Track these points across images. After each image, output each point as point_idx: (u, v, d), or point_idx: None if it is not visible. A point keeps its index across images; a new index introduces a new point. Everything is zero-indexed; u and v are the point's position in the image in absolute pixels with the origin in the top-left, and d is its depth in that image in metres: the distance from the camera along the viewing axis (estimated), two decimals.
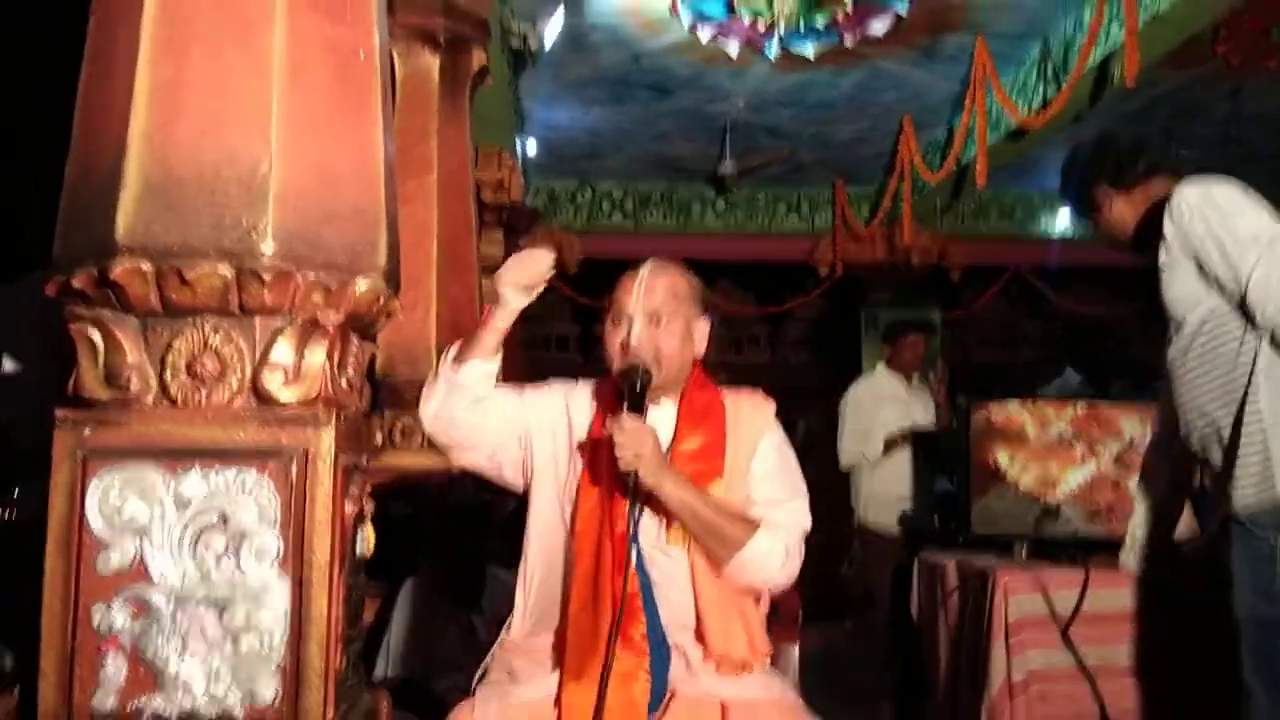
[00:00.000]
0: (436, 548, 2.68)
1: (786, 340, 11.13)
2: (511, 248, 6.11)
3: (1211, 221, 2.02)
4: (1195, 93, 5.53)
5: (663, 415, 1.75)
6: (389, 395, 3.00)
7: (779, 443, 1.81)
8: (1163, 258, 2.11)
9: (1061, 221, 7.87)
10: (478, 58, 3.20)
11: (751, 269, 8.80)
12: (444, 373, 1.71)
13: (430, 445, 3.02)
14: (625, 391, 1.63)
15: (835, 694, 3.59)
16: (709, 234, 8.01)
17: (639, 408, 1.63)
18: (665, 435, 1.73)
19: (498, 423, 1.73)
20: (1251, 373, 1.96)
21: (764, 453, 1.77)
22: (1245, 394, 1.97)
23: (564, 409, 1.78)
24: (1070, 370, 3.92)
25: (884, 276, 7.76)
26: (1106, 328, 7.37)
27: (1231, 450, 1.98)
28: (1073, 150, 2.45)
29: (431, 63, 3.14)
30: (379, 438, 3.03)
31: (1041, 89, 4.83)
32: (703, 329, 1.79)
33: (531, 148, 6.62)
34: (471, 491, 2.81)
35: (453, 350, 1.75)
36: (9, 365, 2.36)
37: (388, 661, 2.37)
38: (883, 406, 3.96)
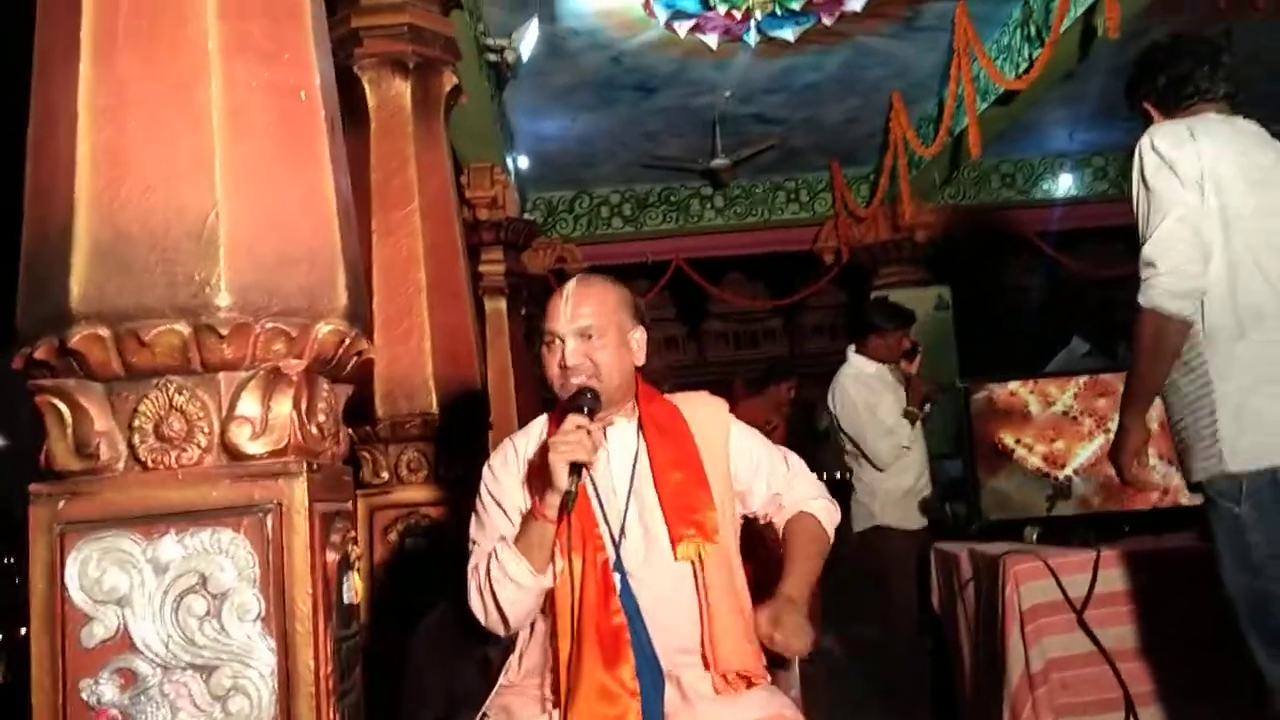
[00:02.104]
0: (451, 582, 2.65)
1: (803, 329, 11.05)
2: (511, 263, 6.10)
3: (1145, 173, 1.97)
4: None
5: (620, 434, 1.71)
6: (392, 430, 2.98)
7: (745, 431, 1.81)
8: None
9: (1065, 183, 7.77)
10: (448, 79, 3.18)
11: (760, 261, 8.76)
12: (529, 584, 1.60)
13: (437, 477, 3.03)
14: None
15: (870, 694, 3.55)
16: (710, 231, 7.97)
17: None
18: (629, 453, 1.69)
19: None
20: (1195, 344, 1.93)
21: (743, 449, 1.76)
22: (1190, 364, 1.94)
23: (520, 471, 1.73)
24: (1076, 339, 3.81)
25: (890, 257, 7.67)
26: (1114, 288, 7.27)
27: (1187, 419, 1.94)
28: (1143, 51, 2.27)
29: (403, 89, 3.12)
30: (385, 474, 3.02)
31: (1027, 50, 4.76)
32: (640, 338, 1.73)
33: (523, 161, 6.60)
34: None
35: (512, 558, 1.61)
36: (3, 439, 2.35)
37: (412, 703, 2.34)
38: (883, 397, 3.78)
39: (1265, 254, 1.90)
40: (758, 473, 1.76)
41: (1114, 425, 2.66)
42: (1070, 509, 2.66)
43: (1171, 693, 2.34)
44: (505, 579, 1.60)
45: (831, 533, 1.81)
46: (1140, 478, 2.04)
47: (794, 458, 1.85)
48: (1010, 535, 2.68)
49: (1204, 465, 1.90)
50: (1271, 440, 1.82)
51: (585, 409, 1.58)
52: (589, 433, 1.53)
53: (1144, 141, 2.00)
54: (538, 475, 1.63)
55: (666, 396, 1.80)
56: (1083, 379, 2.74)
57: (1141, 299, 1.95)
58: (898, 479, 3.73)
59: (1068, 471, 2.68)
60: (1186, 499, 2.66)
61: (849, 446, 3.84)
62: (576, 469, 1.52)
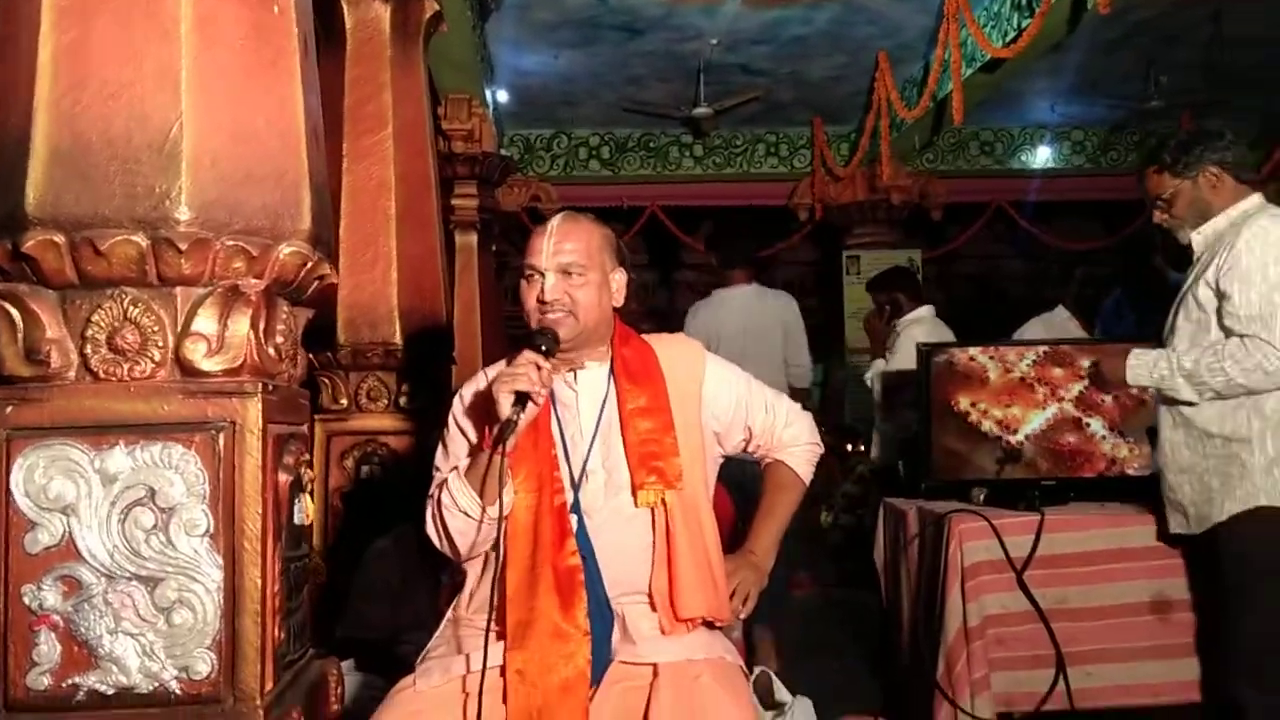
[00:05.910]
0: (407, 510, 2.65)
1: (774, 283, 11.08)
2: (485, 199, 6.03)
3: None
4: (1176, 17, 5.42)
5: (591, 378, 1.70)
6: (353, 358, 2.97)
7: (721, 368, 1.80)
8: None
9: (1043, 155, 7.79)
10: (429, 5, 3.12)
11: (735, 212, 8.71)
12: (476, 515, 1.58)
13: (397, 407, 3.02)
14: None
15: (821, 643, 3.63)
16: (688, 179, 7.92)
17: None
18: (598, 397, 1.69)
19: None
20: None
21: (720, 388, 1.76)
22: None
23: (482, 414, 1.67)
24: (1061, 308, 3.82)
25: (864, 218, 7.68)
26: (1091, 262, 7.35)
27: None
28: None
29: (382, 12, 3.06)
30: (344, 401, 3.01)
31: (1015, 19, 4.73)
32: (620, 280, 1.72)
33: (503, 96, 6.50)
34: None
35: (466, 489, 1.59)
36: None
37: (349, 622, 2.36)
38: None
39: None
40: (736, 411, 1.77)
41: (1067, 395, 2.75)
42: (1019, 473, 2.71)
43: (1104, 654, 2.42)
44: (454, 508, 1.60)
45: (809, 476, 1.87)
46: None
47: (773, 395, 1.84)
48: (958, 495, 2.73)
49: None
50: None
51: (542, 347, 1.58)
52: (539, 368, 1.53)
53: None
54: (486, 406, 1.60)
55: (643, 337, 1.78)
56: (1043, 348, 2.77)
57: None
58: None
59: (1019, 436, 2.72)
60: (1133, 470, 2.72)
61: None
62: (521, 400, 1.52)
